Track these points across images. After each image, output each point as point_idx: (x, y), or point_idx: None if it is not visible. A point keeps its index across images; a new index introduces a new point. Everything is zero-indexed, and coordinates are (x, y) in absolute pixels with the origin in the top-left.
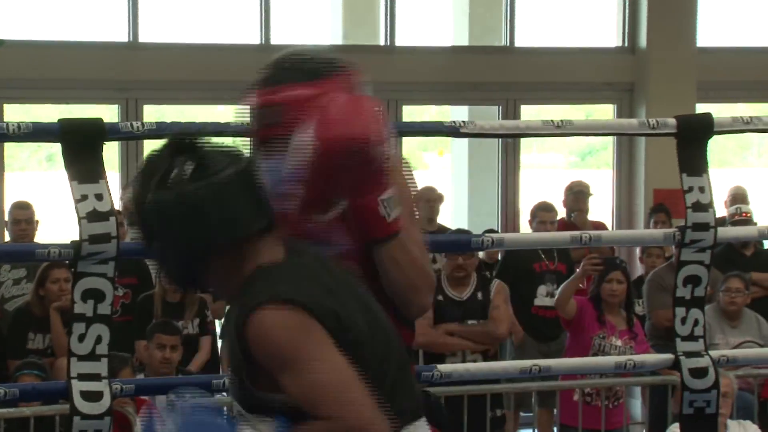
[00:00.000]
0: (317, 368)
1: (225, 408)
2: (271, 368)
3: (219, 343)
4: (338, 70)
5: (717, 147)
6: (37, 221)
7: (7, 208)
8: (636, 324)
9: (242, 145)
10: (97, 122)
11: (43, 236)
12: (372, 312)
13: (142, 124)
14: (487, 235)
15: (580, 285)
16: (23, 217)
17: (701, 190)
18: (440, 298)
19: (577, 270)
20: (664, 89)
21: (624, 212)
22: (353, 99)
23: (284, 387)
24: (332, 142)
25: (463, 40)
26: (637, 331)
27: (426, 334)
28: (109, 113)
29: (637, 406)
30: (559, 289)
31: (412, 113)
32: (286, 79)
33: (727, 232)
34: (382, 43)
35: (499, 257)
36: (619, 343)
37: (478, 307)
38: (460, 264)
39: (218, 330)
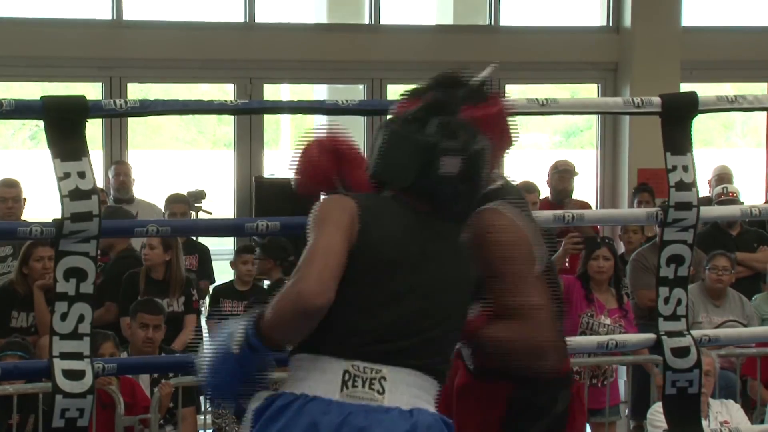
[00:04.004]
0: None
1: None
2: None
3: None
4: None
5: (700, 126)
6: (24, 199)
7: None
8: (627, 302)
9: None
10: (80, 99)
11: (29, 215)
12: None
13: (125, 101)
14: None
15: (566, 265)
16: (10, 195)
17: (685, 169)
18: None
19: (559, 249)
20: (648, 69)
21: (608, 192)
22: None
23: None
24: None
25: (448, 20)
26: (628, 309)
27: None
28: (92, 91)
29: (620, 386)
30: None
31: (397, 93)
32: (460, 102)
33: (709, 211)
34: (366, 21)
35: None
36: (608, 321)
37: None
38: None
39: (203, 308)
